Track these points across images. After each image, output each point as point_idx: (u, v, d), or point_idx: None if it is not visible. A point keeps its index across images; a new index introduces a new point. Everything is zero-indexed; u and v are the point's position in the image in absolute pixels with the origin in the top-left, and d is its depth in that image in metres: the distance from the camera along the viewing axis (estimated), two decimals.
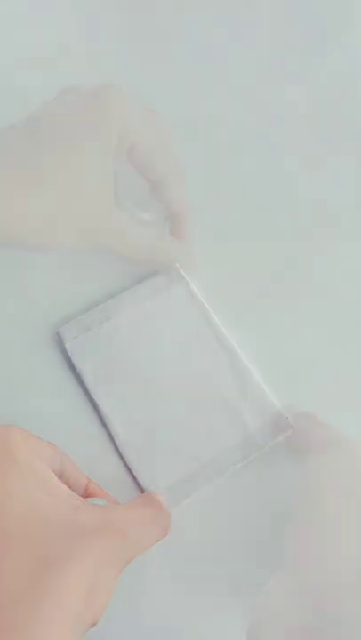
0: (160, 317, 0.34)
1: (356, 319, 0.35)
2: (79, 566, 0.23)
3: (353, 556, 0.24)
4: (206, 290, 0.35)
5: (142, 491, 0.31)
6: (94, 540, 0.24)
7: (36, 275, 0.36)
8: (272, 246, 0.37)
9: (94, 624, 0.24)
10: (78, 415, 0.33)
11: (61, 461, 0.28)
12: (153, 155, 0.32)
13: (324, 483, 0.27)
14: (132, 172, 0.34)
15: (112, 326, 0.34)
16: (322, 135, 0.40)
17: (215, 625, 0.30)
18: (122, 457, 0.32)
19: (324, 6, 0.43)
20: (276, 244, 0.37)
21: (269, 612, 0.25)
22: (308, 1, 0.43)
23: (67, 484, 0.28)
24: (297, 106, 0.40)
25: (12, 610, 0.22)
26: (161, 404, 0.32)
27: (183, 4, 0.43)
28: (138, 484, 0.31)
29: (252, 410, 0.32)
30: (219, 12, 0.42)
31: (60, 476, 0.28)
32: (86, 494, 0.30)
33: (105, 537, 0.24)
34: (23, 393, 0.33)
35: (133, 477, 0.32)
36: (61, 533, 0.24)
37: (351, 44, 0.42)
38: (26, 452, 0.26)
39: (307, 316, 0.35)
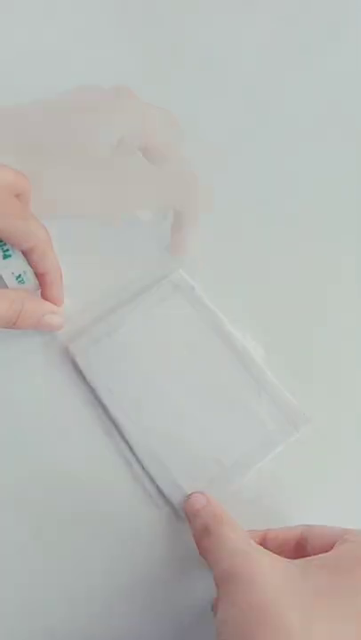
0: (168, 324, 0.34)
1: None
2: None
3: None
4: (212, 293, 0.35)
5: (165, 499, 0.31)
6: None
7: None
8: (275, 247, 0.37)
9: None
10: (94, 428, 0.33)
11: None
12: (167, 153, 0.32)
13: None
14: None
15: (121, 336, 0.33)
16: (322, 135, 0.40)
17: None
18: (143, 467, 0.32)
19: (323, 6, 0.43)
20: (278, 244, 0.37)
21: None
22: (308, 1, 0.43)
23: None
24: (297, 105, 0.40)
25: None
26: (176, 411, 0.32)
27: (184, 4, 0.43)
28: (161, 493, 0.31)
29: (269, 408, 0.32)
30: (219, 12, 0.42)
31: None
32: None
33: None
34: (37, 409, 0.33)
35: (156, 487, 0.31)
36: None
37: (351, 43, 0.42)
38: None
39: (314, 314, 0.35)
